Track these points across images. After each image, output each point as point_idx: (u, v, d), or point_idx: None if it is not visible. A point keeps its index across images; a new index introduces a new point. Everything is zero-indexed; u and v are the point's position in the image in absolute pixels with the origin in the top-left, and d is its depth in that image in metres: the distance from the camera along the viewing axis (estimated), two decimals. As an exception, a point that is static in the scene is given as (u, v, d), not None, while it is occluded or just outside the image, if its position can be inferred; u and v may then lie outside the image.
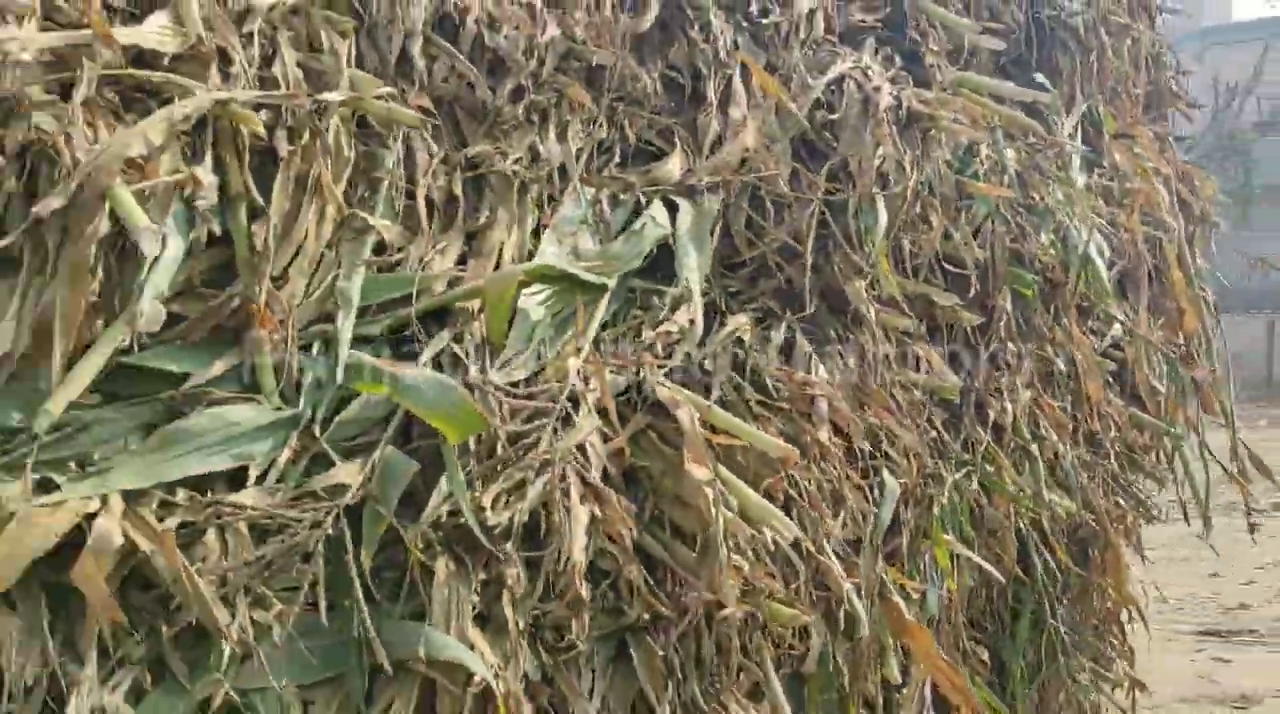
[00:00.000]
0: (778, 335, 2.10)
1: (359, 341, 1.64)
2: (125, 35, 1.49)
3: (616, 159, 2.13)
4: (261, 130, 1.54)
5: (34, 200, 1.36)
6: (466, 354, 1.70)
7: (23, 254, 1.34)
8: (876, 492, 2.16)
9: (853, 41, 2.53)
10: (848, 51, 2.43)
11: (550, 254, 1.89)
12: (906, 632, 2.17)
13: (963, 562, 2.46)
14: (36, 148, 1.36)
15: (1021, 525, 2.63)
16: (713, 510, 1.68)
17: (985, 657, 2.73)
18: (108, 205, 1.36)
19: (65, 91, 1.42)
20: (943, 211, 2.36)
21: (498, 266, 1.83)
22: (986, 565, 2.42)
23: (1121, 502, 3.19)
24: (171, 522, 1.39)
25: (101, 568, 1.32)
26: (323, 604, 1.44)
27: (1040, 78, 2.96)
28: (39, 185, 1.37)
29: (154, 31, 1.54)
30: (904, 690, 2.28)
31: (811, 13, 2.45)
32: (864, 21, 2.58)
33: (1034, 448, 2.64)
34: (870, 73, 2.37)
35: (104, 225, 1.36)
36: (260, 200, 1.58)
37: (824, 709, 2.09)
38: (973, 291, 2.40)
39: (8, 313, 1.33)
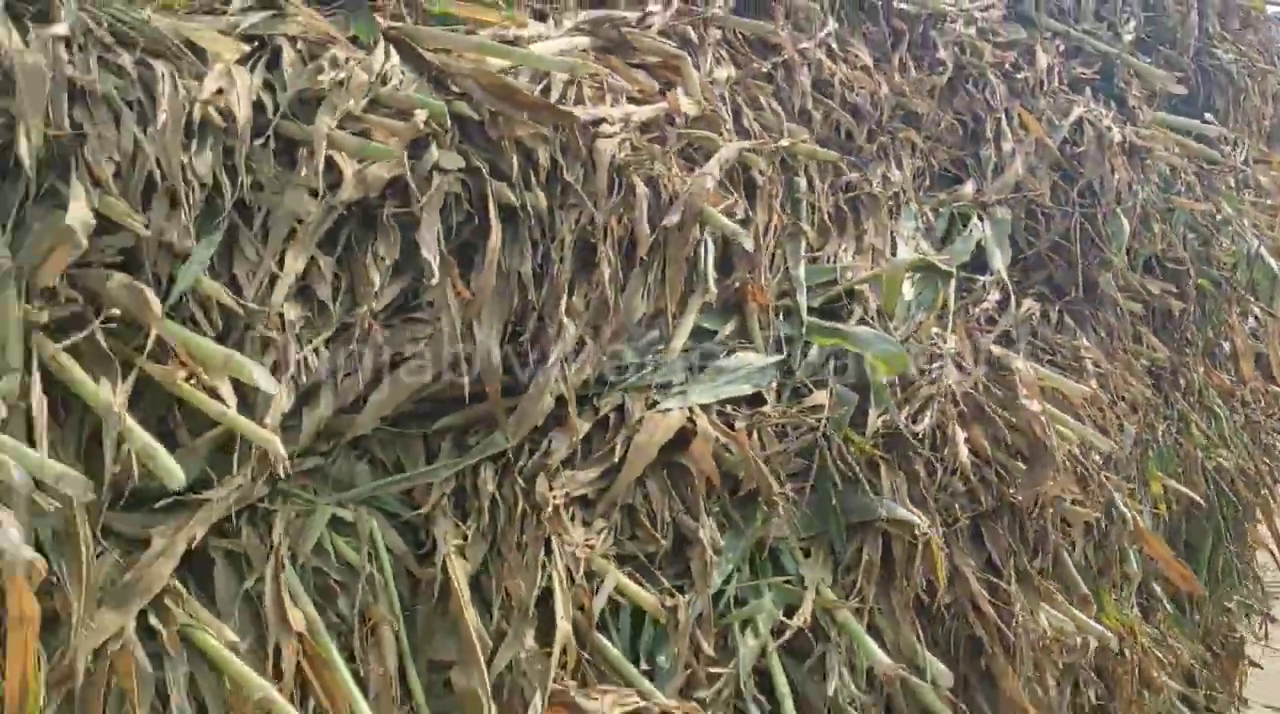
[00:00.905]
0: (1053, 313, 2.82)
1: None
2: (678, 106, 2.23)
3: (927, 182, 2.87)
4: (764, 168, 2.28)
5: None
6: (870, 321, 2.43)
7: (651, 253, 2.07)
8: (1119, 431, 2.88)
9: (1077, 89, 3.26)
10: (1079, 98, 3.15)
11: (904, 251, 2.62)
12: (1142, 537, 2.88)
13: (1169, 494, 3.17)
14: (643, 182, 2.09)
15: (1207, 468, 3.34)
16: (1047, 431, 2.40)
17: (1168, 578, 3.44)
18: (700, 221, 2.10)
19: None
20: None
21: (873, 262, 2.57)
22: (1190, 493, 3.12)
23: (1267, 460, 3.88)
24: (741, 424, 2.13)
25: (707, 451, 2.05)
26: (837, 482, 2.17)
27: (1209, 115, 3.68)
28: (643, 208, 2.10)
29: (685, 101, 2.28)
30: (1126, 584, 2.99)
31: (1050, 68, 3.18)
32: (1084, 74, 3.30)
33: (1217, 408, 3.35)
34: (1100, 115, 3.09)
35: (696, 233, 2.10)
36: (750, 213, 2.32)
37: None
38: (1191, 282, 3.12)
39: (640, 292, 2.06)
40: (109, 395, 1.39)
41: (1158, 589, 3.34)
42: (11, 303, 1.41)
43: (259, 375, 1.49)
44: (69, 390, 1.43)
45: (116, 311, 1.47)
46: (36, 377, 1.38)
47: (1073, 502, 2.56)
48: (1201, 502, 3.19)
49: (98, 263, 1.49)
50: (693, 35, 2.50)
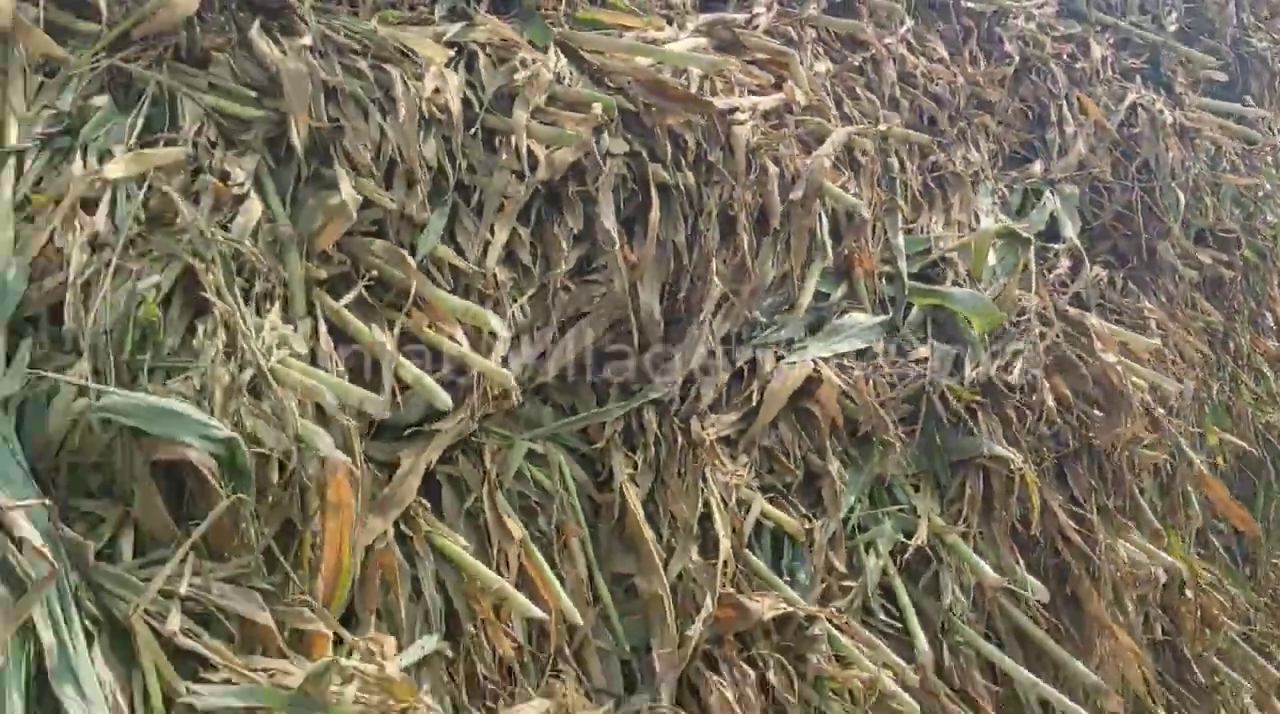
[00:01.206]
0: (1118, 279, 3.11)
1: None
2: (795, 97, 2.53)
3: (1000, 163, 3.16)
4: (870, 150, 2.58)
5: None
6: (961, 284, 2.72)
7: (780, 225, 2.37)
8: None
9: (1129, 77, 3.55)
10: (1131, 85, 3.44)
11: (986, 222, 2.91)
12: (1203, 480, 3.16)
13: (1223, 445, 3.45)
14: (772, 163, 2.39)
15: (1258, 425, 3.62)
16: (1123, 380, 2.69)
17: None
18: (819, 195, 2.40)
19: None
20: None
21: (959, 233, 2.86)
22: (1242, 444, 3.40)
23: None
24: (859, 374, 2.42)
25: (832, 397, 2.35)
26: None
27: (1247, 98, 3.96)
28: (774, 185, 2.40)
29: (797, 92, 2.59)
30: (1188, 526, 3.27)
31: (1103, 58, 3.47)
32: (1134, 63, 3.59)
33: (1265, 369, 3.63)
34: (1152, 99, 3.38)
35: (817, 206, 2.40)
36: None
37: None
38: (1239, 252, 3.40)
39: (771, 258, 2.37)
40: (381, 337, 1.70)
41: (1215, 542, 3.62)
42: (297, 263, 1.71)
43: (494, 322, 1.80)
44: (342, 334, 1.74)
45: (375, 272, 1.78)
46: (323, 323, 1.69)
47: (1144, 446, 2.85)
48: (1255, 452, 3.46)
49: (357, 232, 1.80)
50: (793, 34, 2.80)
